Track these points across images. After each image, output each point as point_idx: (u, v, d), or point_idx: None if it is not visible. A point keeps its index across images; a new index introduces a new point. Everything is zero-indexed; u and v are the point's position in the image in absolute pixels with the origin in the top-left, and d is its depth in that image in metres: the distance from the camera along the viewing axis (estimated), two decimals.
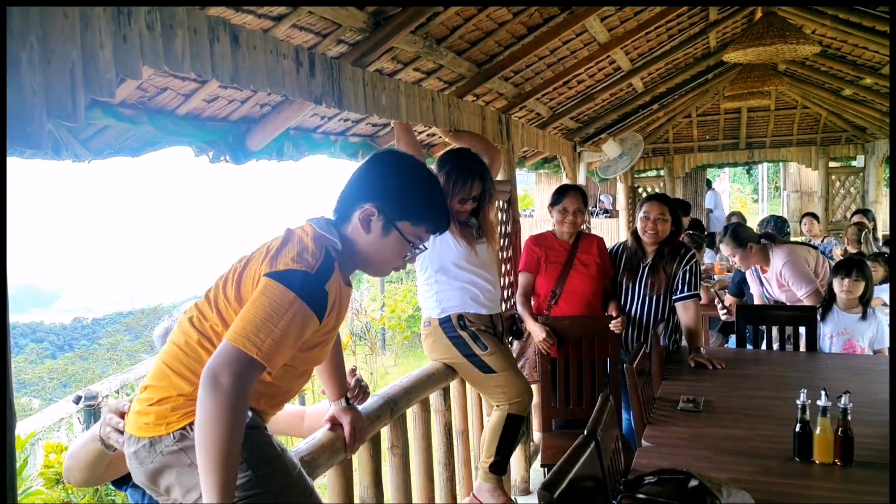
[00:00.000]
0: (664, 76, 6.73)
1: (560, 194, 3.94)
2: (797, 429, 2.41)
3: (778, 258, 4.53)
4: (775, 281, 4.61)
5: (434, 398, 3.25)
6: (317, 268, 1.63)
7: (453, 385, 3.41)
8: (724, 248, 4.75)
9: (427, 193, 1.83)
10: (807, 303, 4.35)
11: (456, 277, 3.22)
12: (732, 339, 5.75)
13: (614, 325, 3.78)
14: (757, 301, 4.96)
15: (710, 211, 12.02)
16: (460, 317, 3.20)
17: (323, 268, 1.65)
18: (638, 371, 3.04)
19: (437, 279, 3.24)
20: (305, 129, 3.23)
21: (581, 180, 7.30)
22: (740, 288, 5.57)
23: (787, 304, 4.60)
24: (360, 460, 2.54)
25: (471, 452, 3.58)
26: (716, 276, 6.82)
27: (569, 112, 5.83)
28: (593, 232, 5.19)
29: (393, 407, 2.64)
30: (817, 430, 2.36)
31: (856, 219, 7.76)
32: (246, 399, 1.54)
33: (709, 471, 2.16)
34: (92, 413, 4.06)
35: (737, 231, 4.68)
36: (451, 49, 3.27)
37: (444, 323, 3.22)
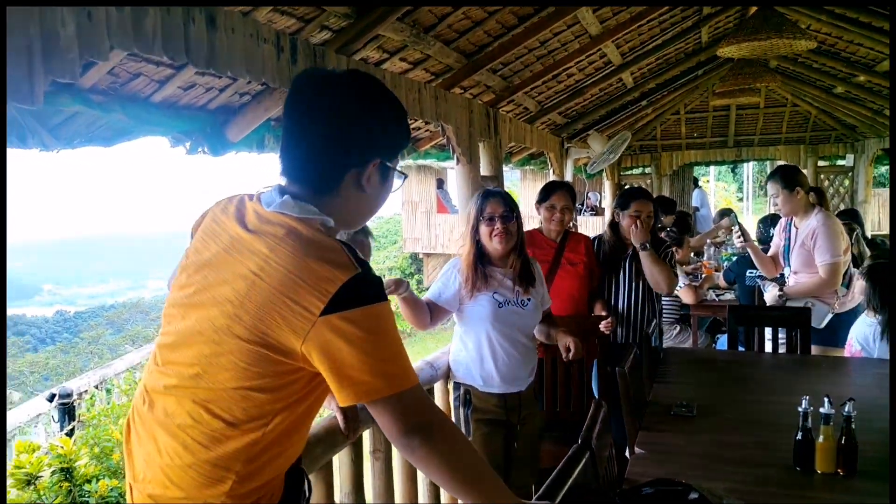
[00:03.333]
0: (654, 72, 6.65)
1: (548, 191, 3.82)
2: (798, 436, 2.32)
3: (818, 218, 4.30)
4: (800, 239, 4.39)
5: None
6: (353, 263, 1.25)
7: (438, 387, 3.29)
8: (770, 187, 4.53)
9: (398, 103, 1.42)
10: (821, 273, 4.14)
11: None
12: (721, 339, 5.71)
13: (604, 326, 3.68)
14: (771, 252, 4.73)
15: (697, 209, 11.99)
16: (467, 392, 2.95)
17: (355, 257, 1.27)
18: (629, 374, 2.95)
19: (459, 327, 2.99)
20: None
21: (568, 177, 7.23)
22: (734, 276, 5.50)
23: (793, 271, 4.39)
24: (340, 465, 2.43)
25: None
26: (702, 275, 6.76)
27: (557, 107, 5.74)
28: (580, 230, 5.09)
29: None
30: (819, 439, 2.27)
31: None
32: (448, 419, 1.38)
33: (705, 480, 2.07)
34: (66, 411, 3.91)
35: (788, 171, 4.44)
36: (439, 38, 3.16)
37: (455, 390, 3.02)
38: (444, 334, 10.39)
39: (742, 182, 23.76)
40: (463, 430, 3.02)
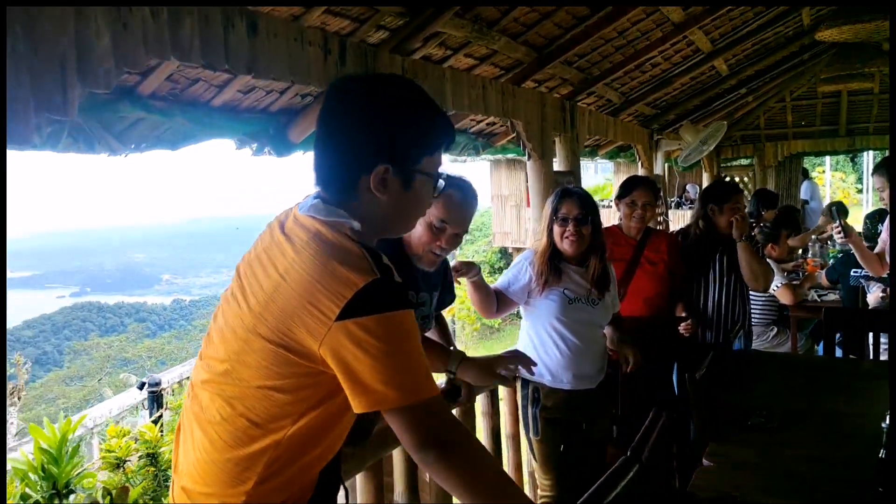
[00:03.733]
0: (752, 58, 6.28)
1: (629, 186, 3.65)
2: (882, 454, 2.14)
3: None
4: None
5: (480, 401, 3.10)
6: (374, 268, 1.22)
7: (502, 387, 3.25)
8: (876, 180, 4.24)
9: (424, 110, 1.33)
10: None
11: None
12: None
13: (684, 328, 3.52)
14: (878, 249, 4.39)
15: (806, 202, 11.32)
16: (535, 389, 2.91)
17: (378, 264, 1.24)
18: (704, 381, 2.81)
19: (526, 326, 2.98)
20: None
21: (658, 170, 6.96)
22: (837, 275, 5.13)
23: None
24: (394, 463, 2.44)
25: (522, 457, 3.42)
26: (804, 273, 6.35)
27: (643, 98, 5.52)
28: (678, 223, 4.86)
29: None
30: None
31: None
32: (468, 433, 1.32)
33: (775, 498, 1.93)
34: (154, 399, 4.14)
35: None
36: (506, 33, 3.10)
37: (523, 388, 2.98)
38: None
39: (862, 173, 22.13)
40: (531, 429, 2.97)
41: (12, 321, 34.62)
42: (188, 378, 5.91)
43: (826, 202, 11.20)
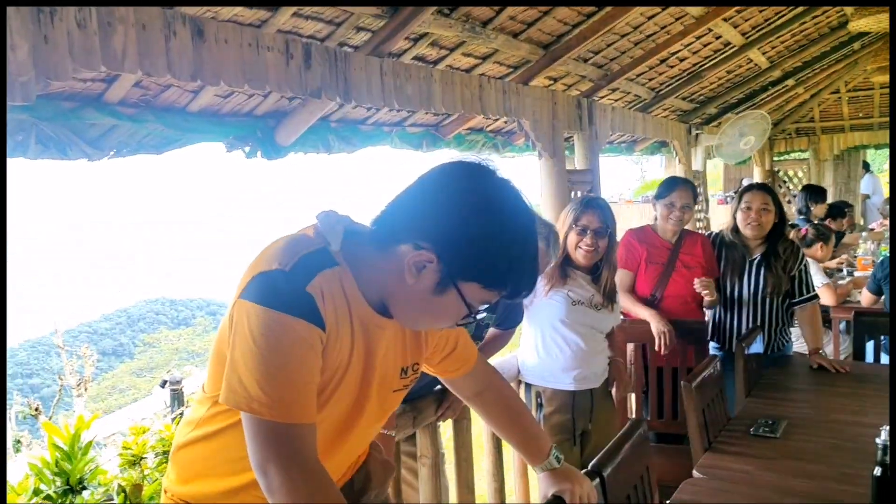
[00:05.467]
0: (793, 49, 6.00)
1: (668, 187, 3.52)
2: (877, 472, 2.00)
3: None
4: None
5: None
6: (292, 264, 1.15)
7: None
8: None
9: (517, 249, 1.20)
10: None
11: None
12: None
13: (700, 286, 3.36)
14: None
15: (868, 197, 10.80)
16: (538, 394, 2.92)
17: (302, 262, 1.16)
18: (704, 387, 2.69)
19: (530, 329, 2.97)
20: (351, 120, 3.13)
21: (698, 165, 6.74)
22: (880, 285, 4.85)
23: None
24: None
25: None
26: (857, 273, 6.03)
27: (675, 92, 5.34)
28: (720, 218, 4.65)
29: (416, 416, 2.50)
30: None
31: None
32: (316, 474, 1.15)
33: None
34: (175, 397, 4.24)
35: None
36: (503, 31, 3.03)
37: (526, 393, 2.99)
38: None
39: None
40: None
41: (91, 315, 36.27)
42: None
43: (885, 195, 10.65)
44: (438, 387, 2.60)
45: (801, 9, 4.74)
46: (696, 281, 3.36)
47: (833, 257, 5.89)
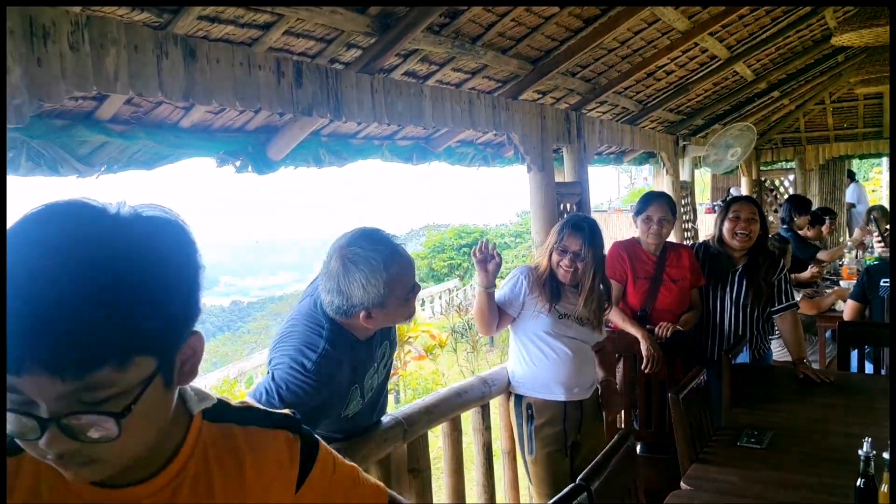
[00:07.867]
0: (778, 62, 6.08)
1: (644, 202, 3.57)
2: (859, 484, 2.04)
3: None
4: None
5: (472, 416, 3.08)
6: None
7: (496, 402, 3.21)
8: None
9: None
10: None
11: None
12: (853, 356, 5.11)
13: (660, 329, 3.42)
14: None
15: (853, 206, 10.92)
16: (528, 405, 2.99)
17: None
18: (691, 398, 2.73)
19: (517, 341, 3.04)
20: (341, 134, 3.15)
21: (685, 176, 6.80)
22: (864, 292, 4.88)
23: None
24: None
25: (518, 474, 3.37)
26: (843, 283, 6.08)
27: (662, 105, 5.40)
28: (709, 228, 4.65)
29: (406, 429, 2.50)
30: (883, 487, 1.98)
31: None
32: None
33: None
34: None
35: None
36: (492, 47, 3.07)
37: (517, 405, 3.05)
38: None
39: None
40: (526, 448, 2.99)
41: None
42: (234, 377, 5.96)
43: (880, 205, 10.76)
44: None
45: (785, 23, 4.81)
46: (657, 329, 3.42)
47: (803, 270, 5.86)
